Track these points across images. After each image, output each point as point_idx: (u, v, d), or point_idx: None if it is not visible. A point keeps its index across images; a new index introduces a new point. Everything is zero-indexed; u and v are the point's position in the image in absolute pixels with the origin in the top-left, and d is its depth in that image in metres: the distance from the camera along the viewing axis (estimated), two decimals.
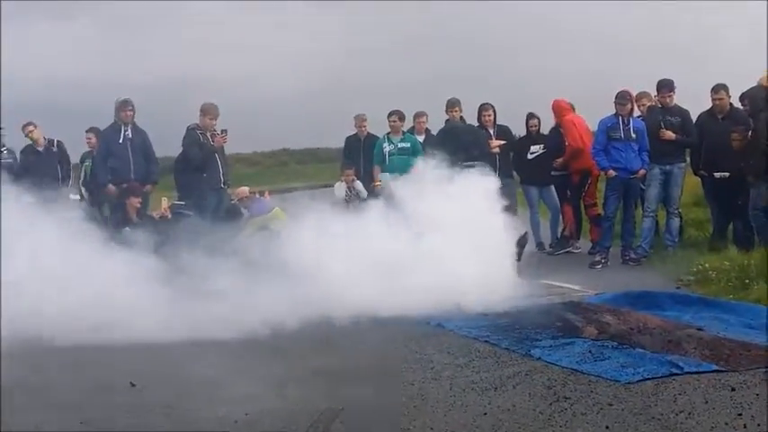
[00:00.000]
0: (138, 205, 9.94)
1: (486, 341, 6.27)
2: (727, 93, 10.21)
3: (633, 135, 10.31)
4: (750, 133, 9.52)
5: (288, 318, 6.69)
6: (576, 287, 8.53)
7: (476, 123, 11.65)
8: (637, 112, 10.93)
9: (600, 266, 10.22)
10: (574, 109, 11.73)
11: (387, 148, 11.45)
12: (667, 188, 10.54)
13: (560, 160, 11.52)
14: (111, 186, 10.38)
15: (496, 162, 11.04)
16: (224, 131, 10.55)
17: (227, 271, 7.14)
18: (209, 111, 10.44)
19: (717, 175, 10.01)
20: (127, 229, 9.13)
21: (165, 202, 10.33)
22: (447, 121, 11.30)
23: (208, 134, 10.44)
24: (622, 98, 10.37)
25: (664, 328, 6.38)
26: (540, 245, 11.93)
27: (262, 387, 5.25)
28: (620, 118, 10.33)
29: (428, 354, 5.96)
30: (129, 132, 10.52)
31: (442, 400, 4.85)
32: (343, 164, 12.26)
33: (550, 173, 11.73)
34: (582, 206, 11.77)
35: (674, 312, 7.02)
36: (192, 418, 4.71)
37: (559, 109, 11.65)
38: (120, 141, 10.44)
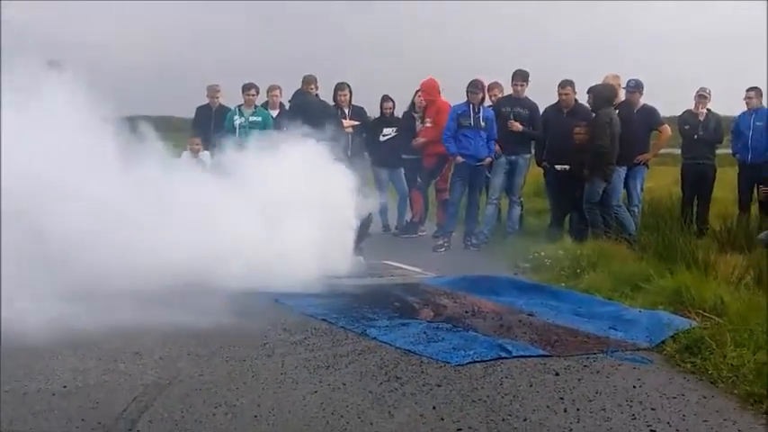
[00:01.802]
0: None
1: (323, 319, 6.24)
2: (573, 89, 10.55)
3: (483, 123, 10.49)
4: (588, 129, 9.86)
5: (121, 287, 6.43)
6: (417, 269, 8.62)
7: (331, 102, 11.58)
8: (488, 102, 11.17)
9: (442, 250, 10.39)
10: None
11: (237, 120, 11.23)
12: (511, 177, 10.84)
13: (422, 140, 11.52)
14: None
15: (349, 142, 11.04)
16: None
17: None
18: None
19: (558, 167, 10.34)
20: None
21: None
22: (297, 92, 11.12)
23: None
24: (474, 87, 10.53)
25: (497, 313, 6.52)
26: (386, 227, 12.02)
27: (89, 361, 5.05)
28: (471, 106, 10.50)
29: (263, 330, 5.88)
30: None
31: (272, 378, 4.78)
32: (191, 133, 11.93)
33: (401, 156, 11.81)
34: (433, 190, 11.93)
35: (509, 297, 7.18)
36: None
37: (433, 89, 11.66)
38: None
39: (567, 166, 10.17)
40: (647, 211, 10.89)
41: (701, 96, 11.05)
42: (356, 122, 11.47)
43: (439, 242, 10.63)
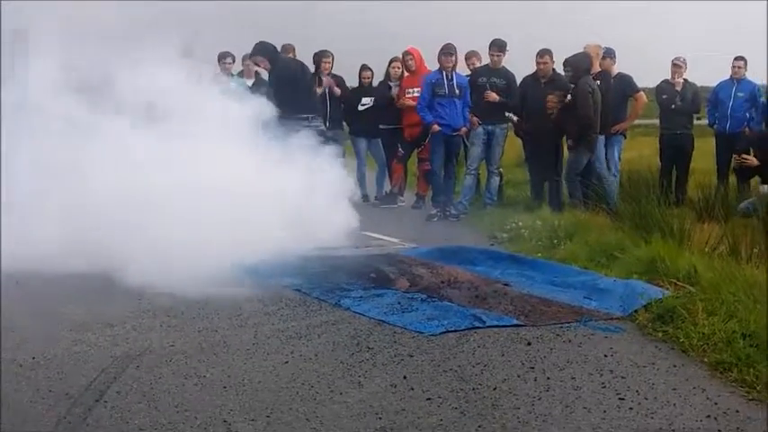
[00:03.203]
0: None
1: (297, 290, 6.23)
2: (551, 58, 10.49)
3: (457, 91, 10.43)
4: (568, 98, 9.81)
5: (94, 258, 6.40)
6: (395, 240, 8.60)
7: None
8: (466, 71, 11.11)
9: (436, 219, 10.35)
10: None
11: None
12: (489, 148, 10.79)
13: (409, 103, 11.27)
14: None
15: (328, 111, 10.98)
16: None
17: None
18: None
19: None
20: None
21: None
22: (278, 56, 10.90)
23: None
24: (447, 51, 10.44)
25: (473, 283, 6.51)
26: (365, 197, 11.98)
27: (59, 330, 5.03)
28: (445, 74, 10.41)
29: (237, 301, 5.85)
30: None
31: (243, 348, 4.78)
32: None
33: (379, 126, 11.74)
34: (413, 161, 11.87)
35: (485, 268, 7.17)
36: None
37: (420, 57, 11.62)
38: None
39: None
40: (626, 182, 10.88)
41: (676, 65, 11.03)
42: (337, 90, 11.38)
43: (432, 212, 10.59)
